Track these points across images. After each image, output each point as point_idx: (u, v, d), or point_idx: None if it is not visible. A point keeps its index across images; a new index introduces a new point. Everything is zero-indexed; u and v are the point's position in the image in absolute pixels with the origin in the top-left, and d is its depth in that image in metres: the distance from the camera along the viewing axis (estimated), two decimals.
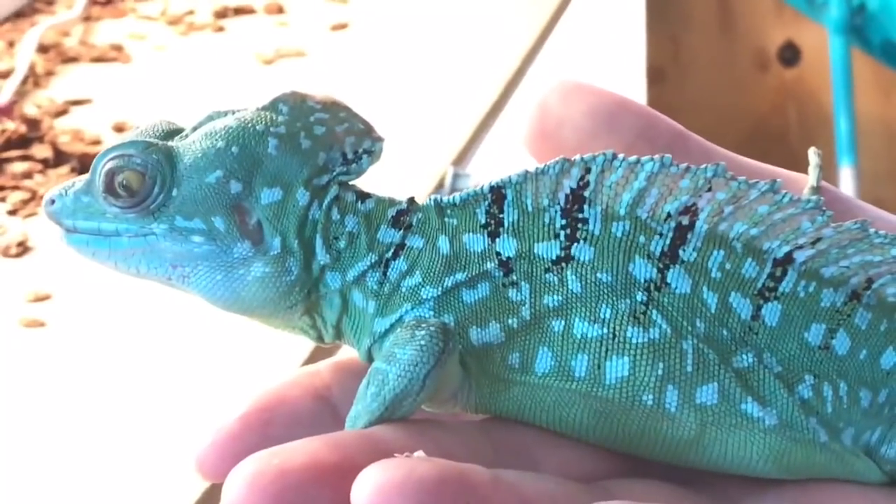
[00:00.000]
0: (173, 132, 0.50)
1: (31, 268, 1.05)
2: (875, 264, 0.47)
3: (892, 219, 0.51)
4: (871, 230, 0.47)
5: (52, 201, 0.50)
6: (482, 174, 1.24)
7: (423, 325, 0.45)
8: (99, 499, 0.82)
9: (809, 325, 0.47)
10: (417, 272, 0.48)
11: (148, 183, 0.48)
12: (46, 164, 1.19)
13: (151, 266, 0.48)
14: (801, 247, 0.47)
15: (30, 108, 1.30)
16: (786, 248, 0.47)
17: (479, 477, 0.38)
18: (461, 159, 1.27)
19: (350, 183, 0.49)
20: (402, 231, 0.48)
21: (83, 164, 1.19)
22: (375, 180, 0.50)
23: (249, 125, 0.48)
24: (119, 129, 1.28)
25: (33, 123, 1.25)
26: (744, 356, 0.47)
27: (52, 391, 0.92)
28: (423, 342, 0.44)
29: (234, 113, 0.49)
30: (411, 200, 0.49)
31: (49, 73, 1.40)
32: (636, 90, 2.28)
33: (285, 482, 0.39)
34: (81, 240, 0.49)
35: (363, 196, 0.49)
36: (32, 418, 0.88)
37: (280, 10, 1.59)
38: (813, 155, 0.53)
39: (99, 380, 0.93)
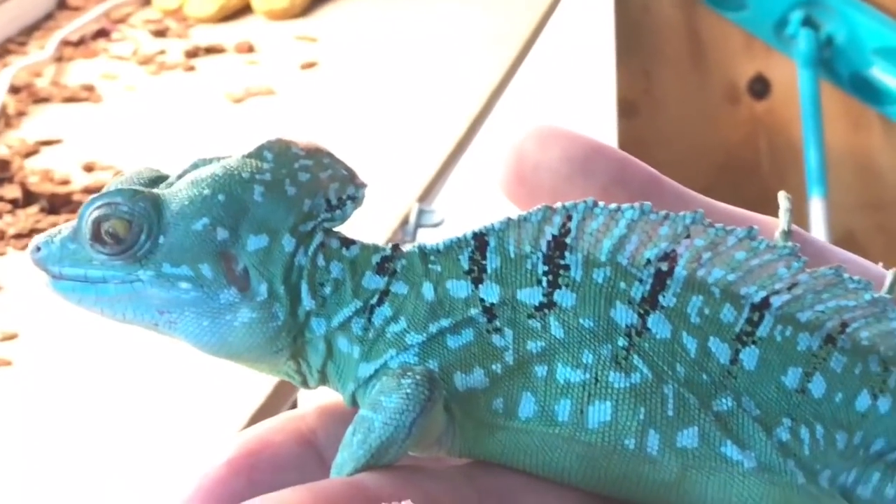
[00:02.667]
0: (158, 179, 0.50)
1: None
2: (849, 309, 0.48)
3: (861, 262, 0.52)
4: (846, 275, 0.48)
5: (39, 248, 0.50)
6: (447, 211, 1.25)
7: (409, 374, 0.46)
8: None
9: (786, 368, 0.48)
10: (402, 318, 0.48)
11: (135, 230, 0.48)
12: (15, 205, 1.20)
13: (138, 312, 0.49)
14: (777, 292, 0.48)
15: (1, 149, 1.31)
16: (762, 294, 0.48)
17: None
18: (426, 195, 1.28)
19: (334, 229, 0.50)
20: (386, 277, 0.49)
21: (52, 203, 1.20)
22: None
23: (235, 173, 0.49)
24: (89, 168, 1.28)
25: (3, 164, 1.26)
26: (723, 400, 0.47)
27: (19, 431, 0.91)
28: (409, 390, 0.45)
29: (219, 160, 0.50)
30: (395, 247, 0.49)
31: (21, 114, 1.41)
32: (607, 124, 2.29)
33: None
34: (67, 286, 0.50)
35: (347, 242, 0.50)
36: None
37: (250, 49, 1.60)
38: (783, 199, 0.54)
39: (66, 419, 0.93)
